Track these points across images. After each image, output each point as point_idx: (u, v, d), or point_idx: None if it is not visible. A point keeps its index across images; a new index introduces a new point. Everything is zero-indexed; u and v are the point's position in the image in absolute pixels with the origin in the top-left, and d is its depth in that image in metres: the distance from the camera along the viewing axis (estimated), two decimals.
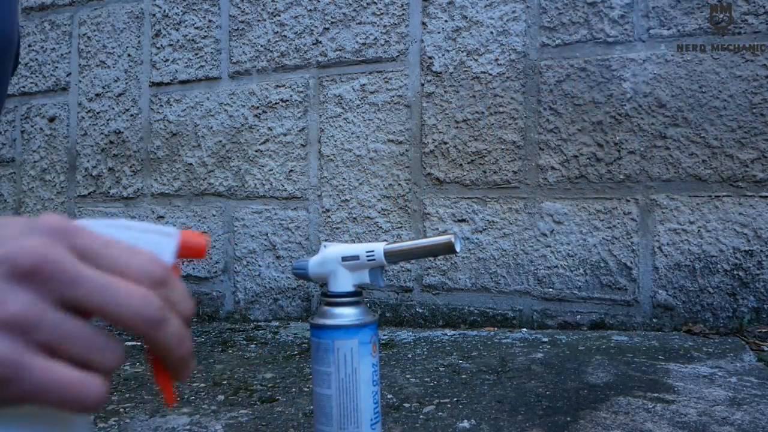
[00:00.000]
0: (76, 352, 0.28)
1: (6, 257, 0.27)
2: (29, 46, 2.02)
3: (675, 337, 1.28)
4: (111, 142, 1.89)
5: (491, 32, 1.48)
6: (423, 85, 1.54)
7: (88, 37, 1.93)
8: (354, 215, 1.60)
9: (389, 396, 0.96)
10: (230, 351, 1.32)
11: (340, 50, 1.62)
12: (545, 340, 1.31)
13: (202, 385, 1.06)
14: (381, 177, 1.58)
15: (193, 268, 1.77)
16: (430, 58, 1.53)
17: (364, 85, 1.59)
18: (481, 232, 1.49)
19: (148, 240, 0.33)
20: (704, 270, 1.33)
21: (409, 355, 1.22)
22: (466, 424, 0.83)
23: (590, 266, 1.41)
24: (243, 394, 1.00)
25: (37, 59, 2.01)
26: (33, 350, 0.27)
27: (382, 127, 1.57)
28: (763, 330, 1.26)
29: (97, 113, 1.92)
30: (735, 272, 1.31)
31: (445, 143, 1.52)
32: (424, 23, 1.53)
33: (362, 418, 0.64)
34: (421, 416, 0.87)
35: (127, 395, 1.01)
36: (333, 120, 1.62)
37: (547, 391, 0.96)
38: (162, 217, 1.81)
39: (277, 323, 1.63)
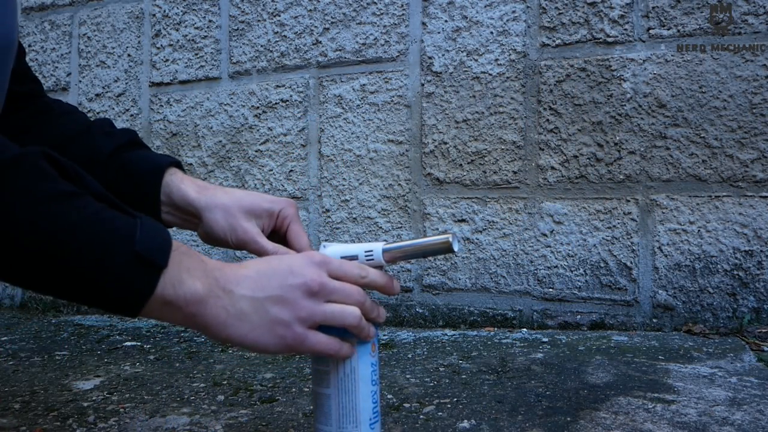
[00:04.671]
0: (337, 322, 0.60)
1: (304, 282, 0.58)
2: (29, 46, 2.02)
3: (675, 337, 1.28)
4: None
5: (491, 32, 1.48)
6: (423, 85, 1.54)
7: (88, 37, 1.93)
8: (354, 215, 1.60)
9: (389, 396, 0.96)
10: (230, 351, 1.32)
11: (340, 50, 1.62)
12: (545, 340, 1.31)
13: (202, 385, 1.06)
14: (381, 177, 1.58)
15: None
16: (430, 58, 1.53)
17: (364, 85, 1.59)
18: (481, 232, 1.49)
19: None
20: (704, 270, 1.33)
21: (409, 355, 1.22)
22: (466, 424, 0.83)
23: (590, 266, 1.41)
24: (243, 394, 1.00)
25: (37, 59, 2.01)
26: (310, 327, 0.59)
27: (382, 127, 1.57)
28: (763, 330, 1.26)
29: (97, 113, 1.92)
30: (735, 272, 1.31)
31: (445, 143, 1.52)
32: (424, 23, 1.53)
33: (361, 418, 0.64)
34: (421, 416, 0.87)
35: (127, 395, 1.01)
36: (333, 120, 1.62)
37: (547, 391, 0.96)
38: None
39: None
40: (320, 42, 1.64)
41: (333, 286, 0.59)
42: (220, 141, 1.75)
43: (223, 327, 0.56)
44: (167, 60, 1.82)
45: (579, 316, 1.41)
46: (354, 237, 1.60)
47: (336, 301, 0.59)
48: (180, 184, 0.77)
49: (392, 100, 1.56)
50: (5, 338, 1.51)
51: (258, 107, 1.71)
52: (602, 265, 1.40)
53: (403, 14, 1.55)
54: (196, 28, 1.78)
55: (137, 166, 0.78)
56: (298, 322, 0.57)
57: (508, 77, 1.47)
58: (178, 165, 0.81)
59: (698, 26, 1.33)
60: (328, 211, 1.63)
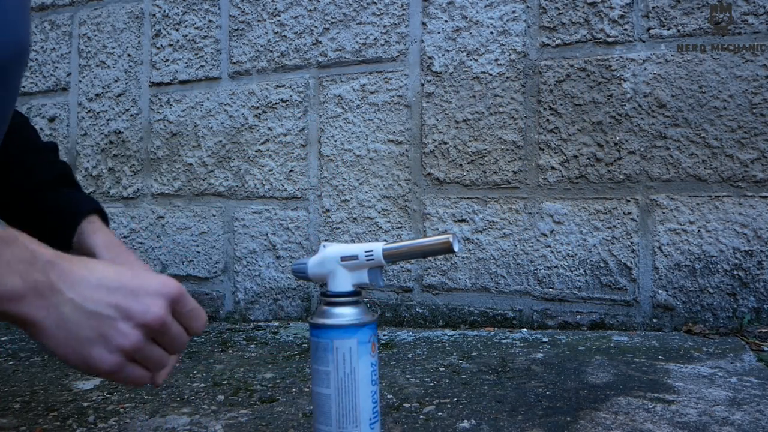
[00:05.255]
0: (150, 365, 0.55)
1: (141, 312, 0.52)
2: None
3: (675, 337, 1.28)
4: (111, 142, 1.89)
5: (491, 32, 1.48)
6: (423, 85, 1.54)
7: (88, 37, 1.93)
8: (354, 215, 1.60)
9: (389, 396, 0.96)
10: (230, 351, 1.32)
11: (340, 50, 1.62)
12: (545, 340, 1.31)
13: (202, 385, 1.06)
14: (381, 177, 1.58)
15: (194, 268, 1.77)
16: (430, 58, 1.53)
17: (364, 85, 1.59)
18: (481, 232, 1.49)
19: None
20: (704, 270, 1.33)
21: (409, 355, 1.22)
22: (466, 424, 0.83)
23: (590, 266, 1.41)
24: (243, 394, 1.00)
25: (37, 59, 2.01)
26: (129, 360, 0.53)
27: (382, 127, 1.57)
28: (763, 330, 1.26)
29: (97, 113, 1.92)
30: (735, 272, 1.31)
31: (445, 143, 1.52)
32: (424, 23, 1.53)
33: (361, 418, 0.64)
34: (421, 416, 0.87)
35: (127, 395, 1.01)
36: (333, 120, 1.62)
37: (547, 391, 0.96)
38: (162, 217, 1.82)
39: (277, 323, 1.63)
40: (320, 42, 1.64)
41: (172, 332, 0.54)
42: (220, 141, 1.75)
43: (39, 329, 0.50)
44: (167, 60, 1.82)
45: (579, 316, 1.41)
46: (354, 237, 1.60)
47: (163, 344, 0.55)
48: (92, 234, 0.76)
49: (392, 100, 1.56)
50: (5, 338, 1.51)
51: (258, 107, 1.71)
52: (602, 265, 1.40)
53: (403, 14, 1.55)
54: (196, 28, 1.78)
55: (58, 207, 0.77)
56: (117, 350, 0.51)
57: (508, 77, 1.47)
58: (100, 212, 0.80)
59: (698, 26, 1.33)
60: (328, 211, 1.63)
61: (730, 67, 1.31)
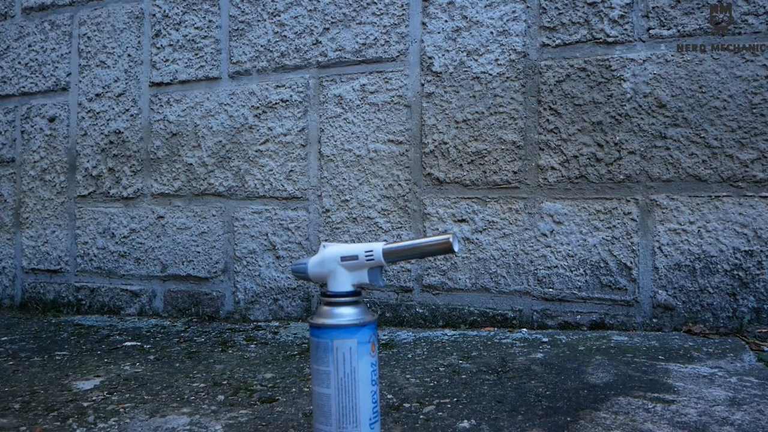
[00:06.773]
0: None
1: None
2: (29, 46, 2.02)
3: (675, 337, 1.28)
4: (111, 142, 1.89)
5: (491, 32, 1.48)
6: (423, 85, 1.54)
7: (88, 37, 1.93)
8: (354, 215, 1.60)
9: (389, 396, 0.96)
10: (230, 351, 1.32)
11: (340, 50, 1.62)
12: (545, 340, 1.31)
13: (202, 385, 1.06)
14: (381, 177, 1.58)
15: (194, 268, 1.77)
16: (430, 58, 1.53)
17: (364, 85, 1.59)
18: (481, 232, 1.49)
19: None
20: (704, 270, 1.33)
21: (409, 355, 1.22)
22: (466, 424, 0.83)
23: (590, 266, 1.41)
24: (243, 394, 1.00)
25: (37, 59, 2.01)
26: None
27: (382, 127, 1.57)
28: (763, 330, 1.26)
29: (97, 113, 1.92)
30: (735, 272, 1.31)
31: (445, 143, 1.52)
32: (424, 23, 1.53)
33: (361, 418, 0.64)
34: (421, 416, 0.87)
35: (127, 395, 1.01)
36: (333, 120, 1.62)
37: (547, 391, 0.96)
38: (162, 217, 1.82)
39: (277, 323, 1.63)
40: (320, 42, 1.64)
41: None
42: (220, 141, 1.75)
43: None
44: (167, 60, 1.82)
45: (579, 316, 1.41)
46: (354, 237, 1.60)
47: None
48: None
49: (392, 100, 1.56)
50: (5, 338, 1.51)
51: (258, 107, 1.71)
52: (602, 265, 1.40)
53: (403, 14, 1.55)
54: (196, 28, 1.78)
55: None
56: None
57: (508, 77, 1.47)
58: None
59: (698, 26, 1.33)
60: (328, 211, 1.63)
61: (730, 67, 1.31)
